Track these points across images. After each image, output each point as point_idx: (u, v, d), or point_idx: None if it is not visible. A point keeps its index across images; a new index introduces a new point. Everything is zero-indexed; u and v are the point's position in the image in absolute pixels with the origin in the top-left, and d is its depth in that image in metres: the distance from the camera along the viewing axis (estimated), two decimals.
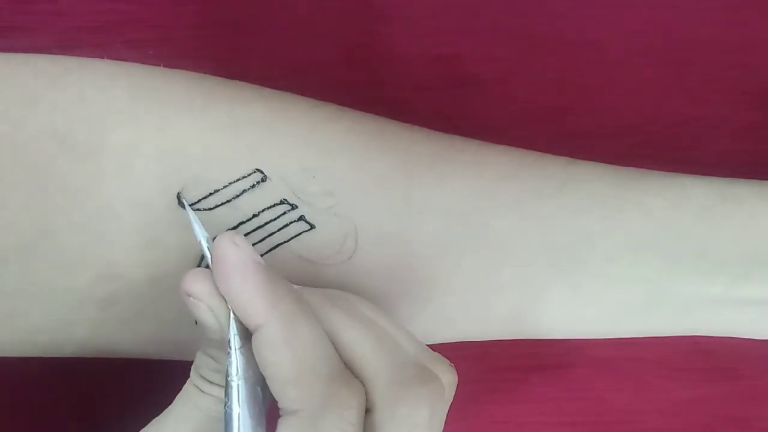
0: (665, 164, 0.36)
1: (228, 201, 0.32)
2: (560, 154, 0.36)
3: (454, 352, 0.36)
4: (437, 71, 0.40)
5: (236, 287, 0.27)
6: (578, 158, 0.36)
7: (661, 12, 0.40)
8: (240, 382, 0.28)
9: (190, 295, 0.28)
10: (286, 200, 0.32)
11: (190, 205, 0.31)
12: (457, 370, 0.33)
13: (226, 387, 0.28)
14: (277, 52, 0.39)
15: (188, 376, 0.31)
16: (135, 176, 0.31)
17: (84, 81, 0.31)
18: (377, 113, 0.35)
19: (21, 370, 0.36)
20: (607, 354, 0.40)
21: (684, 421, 0.41)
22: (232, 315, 0.28)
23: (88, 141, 0.31)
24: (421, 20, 0.40)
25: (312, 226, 0.33)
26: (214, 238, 0.28)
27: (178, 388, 0.32)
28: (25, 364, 0.34)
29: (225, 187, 0.32)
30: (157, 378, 0.37)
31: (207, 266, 0.29)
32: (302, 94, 0.34)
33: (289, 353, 0.27)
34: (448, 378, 0.31)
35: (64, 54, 0.32)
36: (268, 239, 0.32)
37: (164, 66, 0.33)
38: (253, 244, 0.32)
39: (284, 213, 0.32)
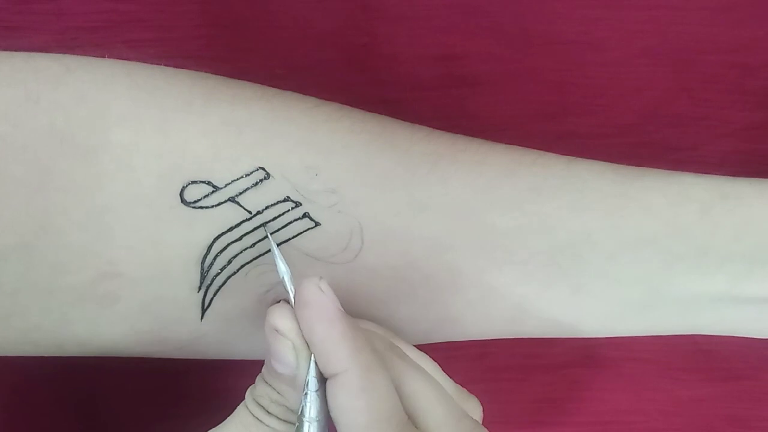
0: (665, 164, 0.36)
1: (230, 199, 0.32)
2: (560, 154, 0.36)
3: (454, 352, 0.36)
4: (437, 71, 0.40)
5: (321, 333, 0.29)
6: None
7: (661, 12, 0.40)
8: (314, 424, 0.29)
9: (277, 330, 0.29)
10: (289, 197, 0.32)
11: (191, 204, 0.31)
12: (456, 370, 0.33)
13: (300, 426, 0.29)
14: (277, 52, 0.39)
15: (188, 376, 0.31)
16: (136, 175, 0.31)
17: (85, 80, 0.31)
18: (378, 113, 0.35)
19: (21, 370, 0.36)
20: (607, 354, 0.40)
21: (684, 421, 0.41)
22: (312, 357, 0.29)
23: (88, 140, 0.31)
24: (421, 20, 0.40)
25: (317, 223, 0.32)
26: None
27: (178, 388, 0.32)
28: (25, 364, 0.34)
29: (227, 185, 0.32)
30: (158, 378, 0.37)
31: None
32: (303, 94, 0.34)
33: (364, 402, 0.28)
34: (477, 415, 0.32)
35: (64, 54, 0.32)
36: (272, 236, 0.32)
37: (165, 65, 0.33)
38: (258, 242, 0.32)
39: (288, 210, 0.32)
